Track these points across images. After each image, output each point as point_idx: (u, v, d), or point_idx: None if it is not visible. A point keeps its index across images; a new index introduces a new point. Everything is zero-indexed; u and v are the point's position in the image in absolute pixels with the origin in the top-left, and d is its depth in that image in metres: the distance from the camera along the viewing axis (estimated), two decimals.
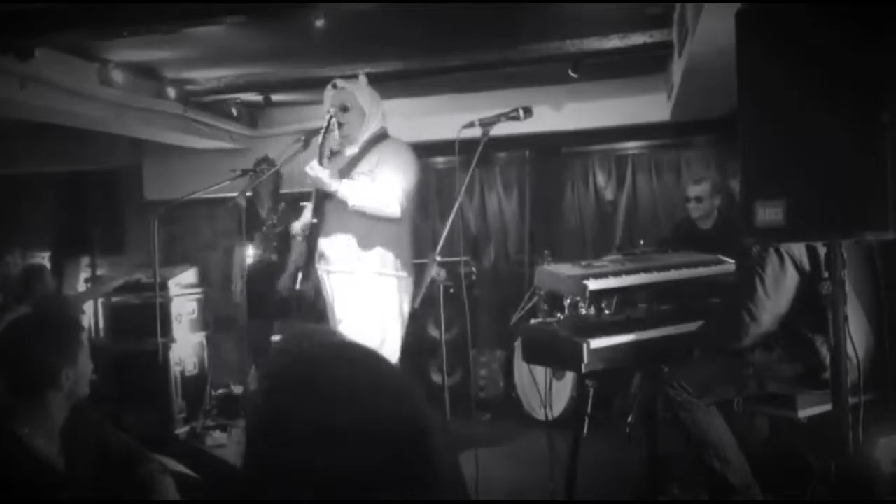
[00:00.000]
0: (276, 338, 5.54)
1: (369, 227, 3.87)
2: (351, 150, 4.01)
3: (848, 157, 2.10)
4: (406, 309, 3.99)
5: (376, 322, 3.88)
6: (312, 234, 3.99)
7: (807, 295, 3.00)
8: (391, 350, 3.92)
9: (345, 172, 3.95)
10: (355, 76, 4.08)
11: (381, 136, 4.04)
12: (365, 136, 4.00)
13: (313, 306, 4.35)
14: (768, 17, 2.23)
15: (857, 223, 2.13)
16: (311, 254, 4.01)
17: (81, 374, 2.34)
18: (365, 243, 3.90)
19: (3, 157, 7.12)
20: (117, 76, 4.95)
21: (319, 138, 3.89)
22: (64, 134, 6.14)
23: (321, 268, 4.02)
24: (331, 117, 3.89)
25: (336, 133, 3.94)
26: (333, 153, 4.06)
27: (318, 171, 3.79)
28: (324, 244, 3.97)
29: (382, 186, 3.83)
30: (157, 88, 5.47)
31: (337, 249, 3.94)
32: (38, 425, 2.27)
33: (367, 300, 3.90)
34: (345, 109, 3.94)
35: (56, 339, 2.30)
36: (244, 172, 5.08)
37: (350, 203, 3.80)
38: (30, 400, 2.27)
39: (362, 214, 3.83)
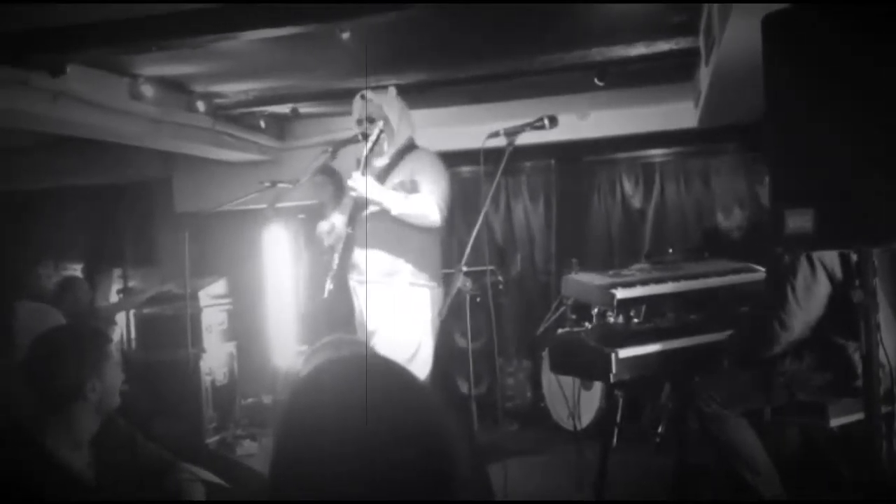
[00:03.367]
0: (302, 348, 5.57)
1: (402, 239, 3.89)
2: (381, 162, 4.03)
3: (878, 164, 2.07)
4: (437, 319, 4.00)
5: (409, 332, 3.90)
6: (347, 244, 4.01)
7: (838, 302, 2.97)
8: (424, 359, 3.93)
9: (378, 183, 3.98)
10: (384, 88, 4.10)
11: (409, 147, 4.06)
12: (394, 147, 4.02)
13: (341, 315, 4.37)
14: (795, 22, 2.21)
15: (886, 231, 2.11)
16: (343, 263, 4.03)
17: (109, 385, 2.36)
18: (398, 255, 3.92)
19: (35, 171, 7.23)
20: (147, 90, 5.01)
21: (365, 150, 3.90)
22: (95, 148, 6.23)
23: (353, 278, 4.04)
24: (381, 132, 3.91)
25: (385, 146, 3.97)
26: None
27: (363, 182, 3.81)
28: (357, 255, 3.99)
29: (423, 196, 3.85)
30: (186, 102, 5.54)
31: (370, 260, 3.96)
32: (63, 436, 2.29)
33: (400, 310, 3.91)
34: (372, 121, 3.96)
35: (81, 352, 2.32)
36: (273, 184, 5.13)
37: (394, 212, 3.82)
38: (56, 412, 2.29)
39: (397, 225, 3.86)
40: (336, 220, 4.16)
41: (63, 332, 2.60)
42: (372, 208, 3.90)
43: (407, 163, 3.99)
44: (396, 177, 3.96)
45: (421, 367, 3.90)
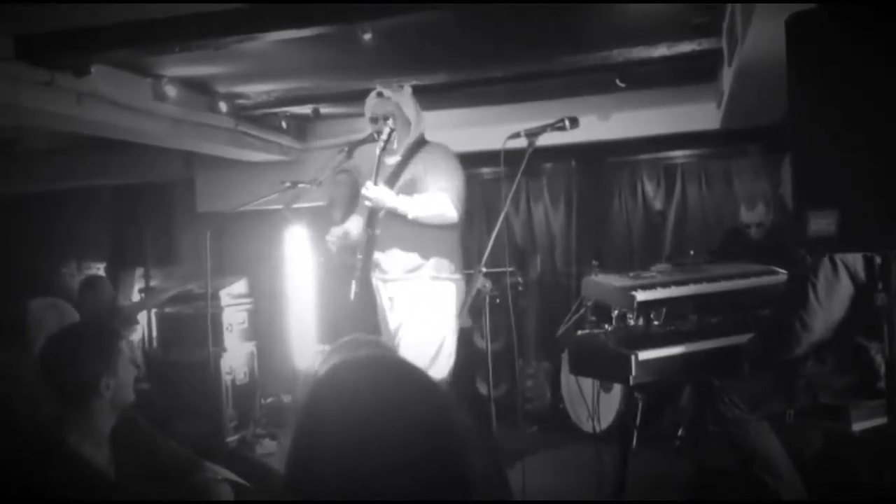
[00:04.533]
0: (323, 347, 5.59)
1: (421, 235, 3.91)
2: (392, 160, 4.05)
3: None
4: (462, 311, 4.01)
5: (434, 326, 3.91)
6: (368, 245, 4.03)
7: (861, 303, 2.94)
8: (447, 353, 3.95)
9: (390, 182, 3.98)
10: (400, 85, 4.11)
11: (420, 143, 4.07)
12: (405, 144, 4.04)
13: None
14: (819, 23, 2.19)
15: None
16: (366, 265, 4.05)
17: (122, 381, 2.39)
18: (420, 251, 3.93)
19: (60, 171, 7.30)
20: (170, 91, 5.05)
21: (377, 150, 3.92)
22: (119, 148, 6.29)
23: (376, 276, 4.06)
24: (392, 131, 3.92)
25: (395, 144, 3.99)
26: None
27: (376, 191, 3.84)
28: (379, 254, 4.02)
29: (437, 194, 3.86)
30: (209, 103, 5.57)
31: (392, 259, 3.97)
32: (84, 432, 2.33)
33: (425, 306, 3.93)
34: (388, 119, 3.97)
35: (92, 350, 2.35)
36: (294, 184, 5.16)
37: (410, 215, 3.84)
38: (74, 408, 2.33)
39: (416, 223, 3.87)
40: (351, 225, 4.18)
41: (74, 330, 2.64)
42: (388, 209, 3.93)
43: (419, 159, 4.00)
44: (408, 173, 3.97)
45: (445, 360, 3.93)
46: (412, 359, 3.57)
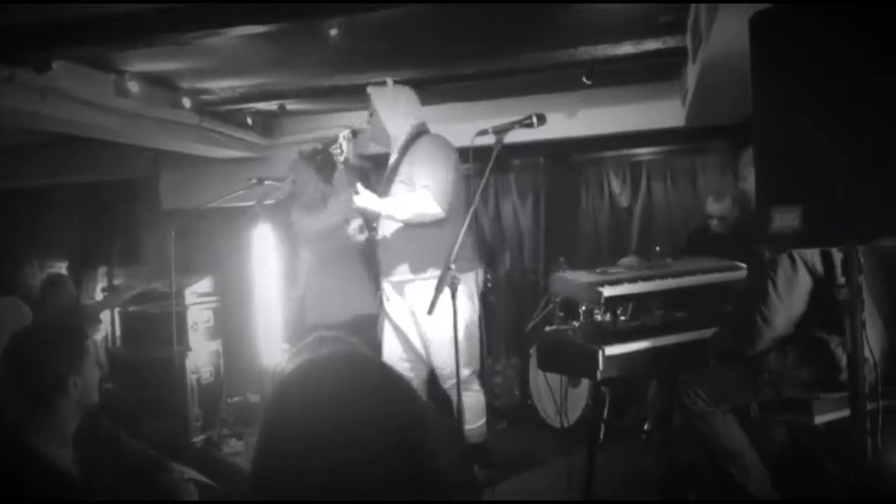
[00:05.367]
0: (289, 345, 5.55)
1: (420, 237, 3.91)
2: (393, 157, 4.10)
3: (863, 162, 2.08)
4: (476, 298, 4.04)
5: (459, 321, 3.91)
6: (369, 246, 4.09)
7: (820, 297, 2.98)
8: (470, 337, 3.97)
9: (388, 180, 4.03)
10: (383, 81, 4.18)
11: (416, 136, 4.08)
12: (400, 138, 4.07)
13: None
14: (782, 21, 2.21)
15: (873, 228, 2.11)
16: (376, 270, 4.12)
17: (88, 381, 2.36)
18: (419, 253, 3.94)
19: (22, 169, 7.18)
20: (133, 87, 4.98)
21: (341, 166, 4.00)
22: (81, 145, 6.19)
23: (386, 281, 4.09)
24: (344, 138, 4.01)
25: (340, 160, 4.07)
26: (352, 166, 4.18)
27: (357, 201, 3.86)
28: (384, 260, 4.05)
29: (420, 191, 3.87)
30: (172, 99, 5.51)
31: (397, 267, 3.99)
32: (49, 433, 2.29)
33: (443, 306, 3.94)
34: (371, 115, 4.08)
35: (61, 348, 2.32)
36: (260, 181, 5.12)
37: (397, 217, 3.86)
38: (40, 409, 2.29)
39: (409, 225, 3.90)
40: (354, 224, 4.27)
41: (42, 328, 2.60)
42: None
43: (409, 156, 4.02)
44: (402, 173, 4.00)
45: (476, 348, 3.95)
46: (446, 355, 3.62)
